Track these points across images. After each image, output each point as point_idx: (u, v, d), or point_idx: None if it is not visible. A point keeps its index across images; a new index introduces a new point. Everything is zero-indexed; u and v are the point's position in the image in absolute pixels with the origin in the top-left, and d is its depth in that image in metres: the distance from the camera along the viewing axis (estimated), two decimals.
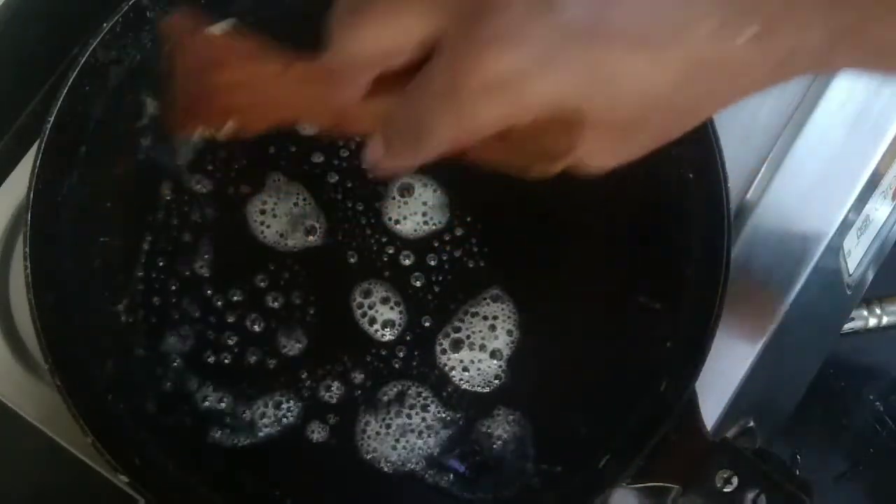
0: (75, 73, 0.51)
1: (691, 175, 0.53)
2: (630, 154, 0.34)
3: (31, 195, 0.50)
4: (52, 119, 0.50)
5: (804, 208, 0.58)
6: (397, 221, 0.54)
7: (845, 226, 0.59)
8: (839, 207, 0.58)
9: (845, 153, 0.59)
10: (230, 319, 0.53)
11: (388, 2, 0.32)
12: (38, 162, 0.50)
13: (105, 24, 0.52)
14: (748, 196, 0.58)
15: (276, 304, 0.53)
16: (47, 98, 0.59)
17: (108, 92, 0.53)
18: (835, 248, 0.60)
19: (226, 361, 0.52)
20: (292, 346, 0.52)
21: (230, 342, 0.52)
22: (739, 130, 0.58)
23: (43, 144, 0.50)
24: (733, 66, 0.30)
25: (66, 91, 0.51)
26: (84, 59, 0.51)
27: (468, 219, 0.55)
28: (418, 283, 0.53)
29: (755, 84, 0.32)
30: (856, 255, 0.65)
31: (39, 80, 0.63)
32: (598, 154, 0.34)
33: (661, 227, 0.53)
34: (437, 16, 0.31)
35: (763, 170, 0.58)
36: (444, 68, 0.31)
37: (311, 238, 0.54)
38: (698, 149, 0.53)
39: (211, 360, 0.52)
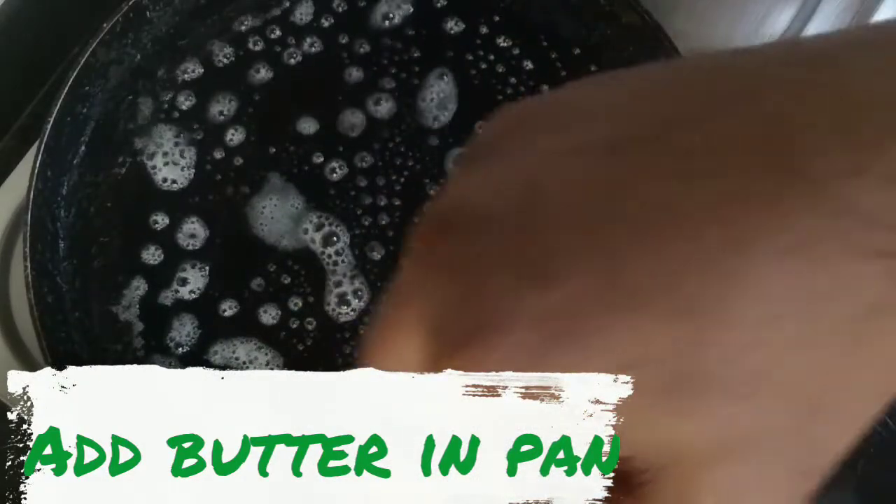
0: (75, 73, 0.51)
1: None
2: None
3: (31, 195, 0.50)
4: (52, 119, 0.50)
5: None
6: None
7: None
8: None
9: None
10: (229, 320, 0.53)
11: None
12: (38, 162, 0.50)
13: (105, 24, 0.52)
14: None
15: (275, 305, 0.53)
16: (47, 98, 0.59)
17: (108, 92, 0.53)
18: None
19: (225, 363, 0.52)
20: (292, 348, 0.52)
21: (229, 343, 0.52)
22: None
23: (43, 144, 0.50)
24: None
25: (66, 91, 0.51)
26: (84, 59, 0.51)
27: None
28: None
29: None
30: None
31: (39, 80, 0.63)
32: None
33: None
34: None
35: None
36: None
37: (310, 238, 0.54)
38: None
39: (210, 360, 0.52)
